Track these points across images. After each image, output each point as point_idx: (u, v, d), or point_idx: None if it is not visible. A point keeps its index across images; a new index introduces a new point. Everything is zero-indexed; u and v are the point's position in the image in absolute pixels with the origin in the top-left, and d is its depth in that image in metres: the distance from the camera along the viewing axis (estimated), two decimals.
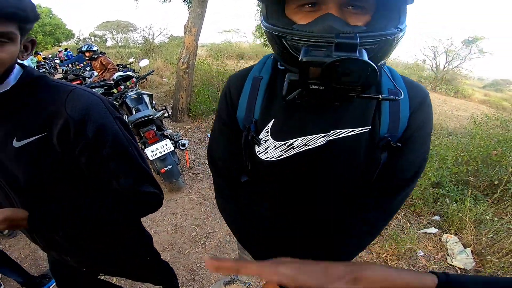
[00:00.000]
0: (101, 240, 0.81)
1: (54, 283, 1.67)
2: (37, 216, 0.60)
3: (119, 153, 0.63)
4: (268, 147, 0.57)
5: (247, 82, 0.59)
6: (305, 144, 0.54)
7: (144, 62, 3.80)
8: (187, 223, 2.20)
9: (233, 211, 0.70)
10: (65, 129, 0.56)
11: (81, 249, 0.80)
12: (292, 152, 0.55)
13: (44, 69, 9.36)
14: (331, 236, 0.63)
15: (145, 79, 4.50)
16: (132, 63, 5.72)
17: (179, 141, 2.60)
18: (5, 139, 0.57)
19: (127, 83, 3.15)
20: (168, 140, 2.37)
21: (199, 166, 3.11)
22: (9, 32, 0.49)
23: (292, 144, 0.55)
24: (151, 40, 14.02)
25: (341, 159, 0.55)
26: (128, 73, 4.65)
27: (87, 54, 4.71)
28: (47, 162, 0.59)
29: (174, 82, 5.35)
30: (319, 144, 0.54)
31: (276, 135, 0.56)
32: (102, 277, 1.24)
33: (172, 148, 2.38)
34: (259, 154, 0.58)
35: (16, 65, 0.58)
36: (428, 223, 2.25)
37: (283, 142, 0.56)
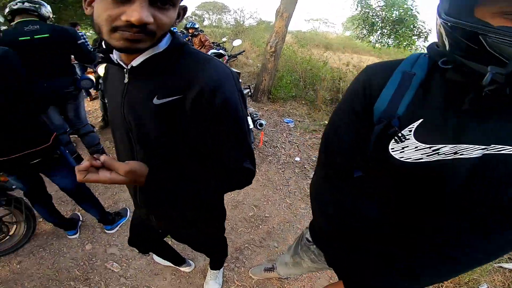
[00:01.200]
0: (193, 208, 0.86)
1: (125, 220, 2.01)
2: (155, 176, 0.63)
3: (236, 128, 0.64)
4: (407, 146, 0.52)
5: (395, 75, 0.56)
6: (455, 153, 0.48)
7: (237, 42, 4.01)
8: (247, 202, 2.28)
9: (334, 202, 0.67)
10: (199, 95, 0.59)
11: (172, 213, 0.86)
12: (436, 158, 0.50)
13: None
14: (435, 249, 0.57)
15: (235, 58, 4.79)
16: (225, 42, 6.10)
17: (257, 121, 2.68)
18: (148, 96, 0.62)
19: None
20: (249, 117, 2.48)
21: (270, 148, 3.17)
22: None
23: (438, 149, 0.50)
24: (241, 23, 14.69)
25: (495, 178, 0.47)
26: (221, 51, 5.04)
27: (190, 31, 5.26)
28: (178, 123, 0.63)
29: (259, 64, 5.52)
30: (473, 156, 0.47)
31: (421, 136, 0.51)
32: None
33: (252, 126, 2.48)
34: (392, 151, 0.54)
35: None
36: (509, 258, 1.83)
37: (428, 146, 0.50)
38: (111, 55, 0.63)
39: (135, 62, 0.61)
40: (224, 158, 0.66)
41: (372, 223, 0.63)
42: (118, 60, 0.63)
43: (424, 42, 6.76)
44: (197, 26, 5.34)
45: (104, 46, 0.60)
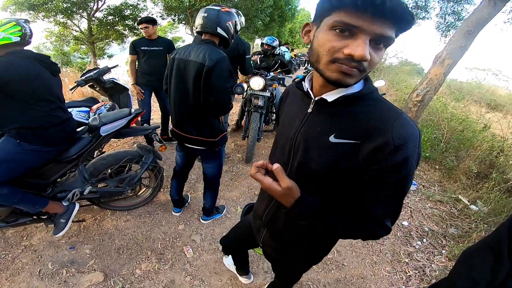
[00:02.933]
0: (312, 239, 0.85)
1: (219, 216, 2.25)
2: (304, 201, 0.66)
3: (400, 187, 0.61)
4: None
5: None
6: None
7: (379, 83, 3.75)
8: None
9: None
10: (381, 147, 0.57)
11: (287, 237, 0.87)
12: None
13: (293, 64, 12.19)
14: None
15: None
16: None
17: None
18: (326, 131, 0.64)
19: None
20: None
21: None
22: (391, 37, 0.52)
23: None
24: (382, 60, 13.91)
25: None
26: None
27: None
28: (344, 164, 0.63)
29: None
30: None
31: None
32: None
33: None
34: None
35: None
36: None
37: None
38: (303, 82, 0.71)
39: (330, 97, 0.63)
40: (374, 208, 0.64)
41: None
42: (309, 90, 0.68)
43: None
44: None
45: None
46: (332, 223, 0.67)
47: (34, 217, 1.71)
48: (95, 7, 11.46)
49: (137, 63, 3.07)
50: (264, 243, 0.98)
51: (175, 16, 11.56)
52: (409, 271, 2.02)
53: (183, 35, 23.54)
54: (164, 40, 3.09)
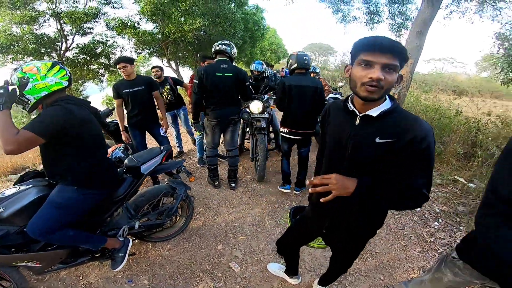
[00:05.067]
0: (367, 215, 1.10)
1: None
2: (362, 184, 0.92)
3: (428, 164, 0.90)
4: None
5: None
6: None
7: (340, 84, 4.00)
8: None
9: None
10: (412, 140, 0.86)
11: (346, 216, 1.12)
12: None
13: None
14: None
15: None
16: (341, 87, 6.38)
17: None
18: (373, 135, 0.93)
19: None
20: None
21: None
22: (395, 64, 0.82)
23: None
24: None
25: None
26: (337, 96, 5.35)
27: (311, 75, 5.85)
28: (387, 154, 0.92)
29: None
30: None
31: None
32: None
33: None
34: None
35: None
36: None
37: None
38: (348, 103, 0.99)
39: (374, 112, 0.93)
40: (413, 182, 0.90)
41: None
42: (354, 109, 0.97)
43: None
44: (318, 70, 5.79)
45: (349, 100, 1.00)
46: (387, 197, 0.93)
47: (93, 255, 1.77)
48: (64, 47, 11.18)
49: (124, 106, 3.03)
50: (328, 228, 1.23)
51: (149, 49, 11.65)
52: (438, 248, 2.26)
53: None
54: (144, 78, 3.04)
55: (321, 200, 0.93)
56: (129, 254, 1.84)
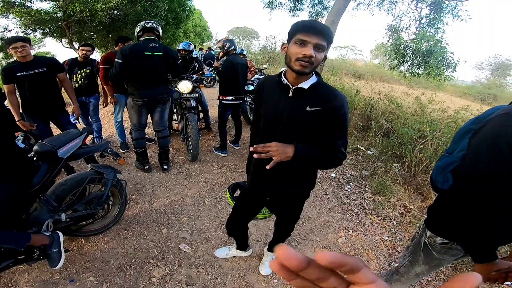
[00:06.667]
0: (303, 178, 1.28)
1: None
2: (298, 148, 1.06)
3: (344, 127, 1.11)
4: None
5: None
6: None
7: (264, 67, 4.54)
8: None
9: (500, 224, 0.89)
10: (332, 108, 1.06)
11: (286, 185, 1.28)
12: None
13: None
14: None
15: None
16: (266, 68, 6.83)
17: None
18: (304, 105, 1.09)
19: None
20: None
21: None
22: (324, 45, 0.97)
23: None
24: (272, 49, 15.73)
25: None
26: (262, 77, 5.70)
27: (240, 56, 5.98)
28: (315, 120, 1.09)
29: None
30: None
31: None
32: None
33: None
34: None
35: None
36: None
37: None
38: (281, 78, 1.12)
39: (305, 85, 1.08)
40: (335, 144, 1.11)
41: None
42: (287, 82, 1.11)
43: (453, 72, 7.04)
44: (245, 52, 5.94)
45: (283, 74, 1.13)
46: (318, 157, 1.11)
47: (16, 258, 1.50)
48: None
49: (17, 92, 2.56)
50: (271, 195, 1.39)
51: (43, 30, 9.31)
52: (354, 209, 2.78)
53: (52, 50, 19.27)
54: (46, 59, 2.67)
55: (267, 167, 1.04)
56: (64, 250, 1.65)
